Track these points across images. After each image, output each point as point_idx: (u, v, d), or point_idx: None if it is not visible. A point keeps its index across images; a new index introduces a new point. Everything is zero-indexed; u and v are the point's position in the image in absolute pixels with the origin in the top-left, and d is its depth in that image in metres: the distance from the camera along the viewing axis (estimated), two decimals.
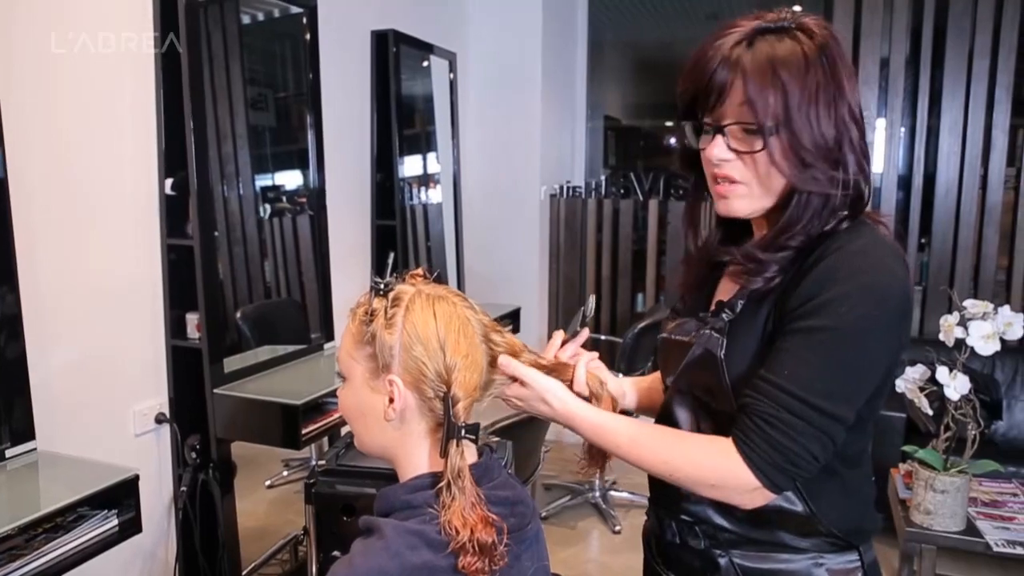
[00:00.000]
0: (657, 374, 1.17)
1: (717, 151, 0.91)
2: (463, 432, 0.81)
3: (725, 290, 1.03)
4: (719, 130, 0.90)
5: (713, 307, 1.02)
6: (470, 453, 0.86)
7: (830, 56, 0.88)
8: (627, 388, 1.20)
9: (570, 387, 0.98)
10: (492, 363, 0.90)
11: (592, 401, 0.99)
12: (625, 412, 1.16)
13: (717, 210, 0.97)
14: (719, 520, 0.99)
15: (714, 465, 0.90)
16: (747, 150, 0.89)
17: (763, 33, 0.89)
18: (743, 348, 0.94)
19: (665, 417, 1.06)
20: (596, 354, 1.03)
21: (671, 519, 1.05)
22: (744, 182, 0.92)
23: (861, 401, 0.88)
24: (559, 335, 1.04)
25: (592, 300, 1.02)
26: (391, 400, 0.84)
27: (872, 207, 3.27)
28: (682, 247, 1.21)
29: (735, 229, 1.03)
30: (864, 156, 0.91)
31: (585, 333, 1.06)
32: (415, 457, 0.86)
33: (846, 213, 0.92)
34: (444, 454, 0.80)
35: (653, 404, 1.15)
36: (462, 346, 0.84)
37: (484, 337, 0.88)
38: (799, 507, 0.95)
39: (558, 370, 0.97)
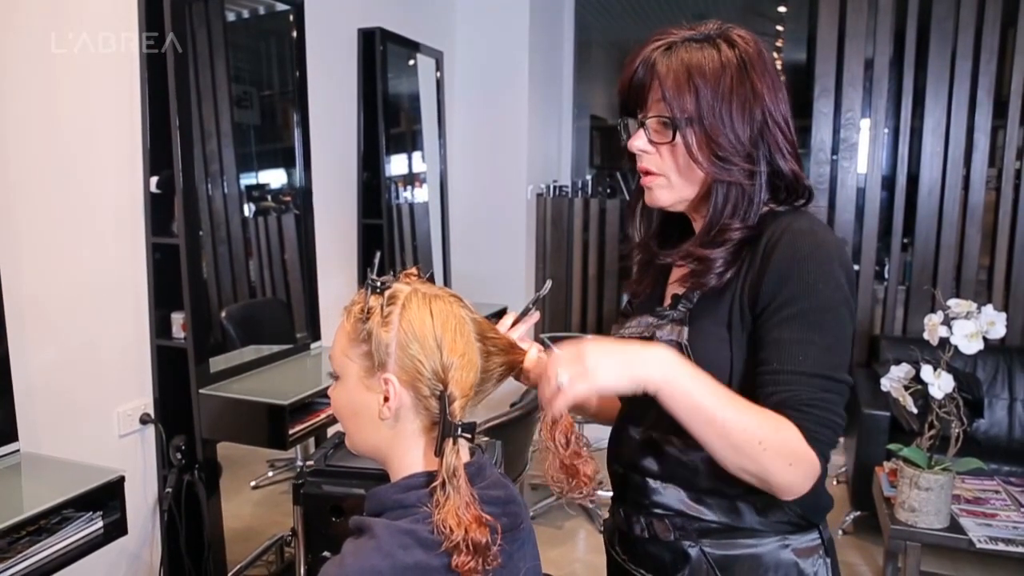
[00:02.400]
0: None
1: (638, 143, 0.99)
2: (459, 431, 0.81)
3: (677, 284, 1.07)
4: (642, 124, 0.99)
5: (669, 301, 1.06)
6: (464, 453, 0.85)
7: (747, 64, 0.95)
8: None
9: (521, 372, 0.97)
10: (487, 362, 0.89)
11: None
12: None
13: (646, 200, 1.04)
14: (688, 510, 1.01)
15: (792, 446, 0.86)
16: (663, 142, 0.97)
17: (687, 42, 0.97)
18: (706, 334, 0.98)
19: (630, 412, 1.08)
20: (541, 347, 1.02)
21: (639, 514, 1.06)
22: (662, 173, 0.99)
23: (849, 363, 0.94)
24: (511, 316, 1.04)
25: (548, 284, 1.02)
26: (386, 399, 0.83)
27: (856, 207, 3.27)
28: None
29: (673, 225, 1.10)
30: (792, 153, 0.98)
31: (535, 315, 1.05)
32: (408, 456, 0.86)
33: (779, 202, 1.00)
34: (440, 453, 0.80)
35: (609, 409, 1.17)
36: (459, 345, 0.83)
37: (479, 336, 0.88)
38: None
39: (510, 351, 0.93)
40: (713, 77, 0.94)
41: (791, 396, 0.89)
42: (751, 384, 0.93)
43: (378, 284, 0.85)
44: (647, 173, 1.00)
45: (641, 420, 1.05)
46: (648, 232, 1.13)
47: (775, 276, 0.92)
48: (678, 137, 0.95)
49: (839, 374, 0.91)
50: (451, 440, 0.80)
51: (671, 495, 1.02)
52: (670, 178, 0.99)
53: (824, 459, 0.89)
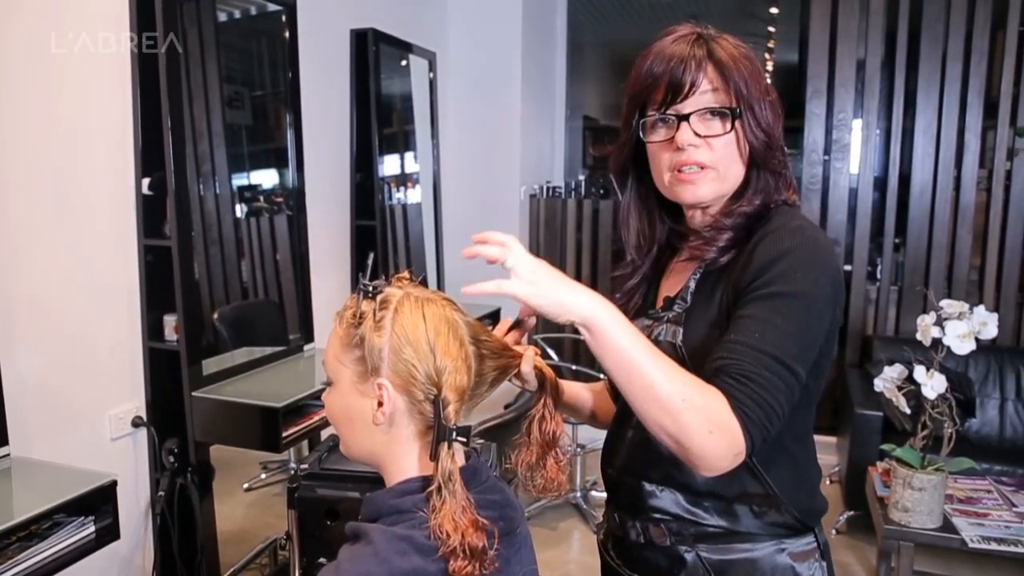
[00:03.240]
0: (601, 384, 1.21)
1: (686, 136, 0.96)
2: (454, 434, 0.80)
3: (669, 286, 1.07)
4: (683, 119, 0.96)
5: (661, 303, 1.06)
6: (460, 456, 0.85)
7: (756, 63, 1.00)
8: (581, 391, 1.19)
9: (517, 375, 0.96)
10: (481, 365, 0.89)
11: (541, 392, 0.96)
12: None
13: (682, 198, 1.01)
14: (685, 514, 1.00)
15: (718, 415, 0.83)
16: (716, 133, 0.97)
17: (705, 38, 0.98)
18: (700, 335, 0.97)
19: (624, 414, 1.07)
20: (537, 349, 1.02)
21: (635, 519, 1.05)
22: (711, 166, 0.98)
23: (811, 363, 0.91)
24: (507, 321, 1.02)
25: None
26: (380, 404, 0.82)
27: (848, 208, 3.30)
28: None
29: (655, 237, 1.11)
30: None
31: (532, 321, 1.03)
32: (403, 461, 0.85)
33: (783, 198, 1.01)
34: (435, 457, 0.79)
35: (603, 413, 1.17)
36: (452, 348, 0.83)
37: (473, 339, 0.87)
38: (759, 489, 0.98)
39: (503, 354, 0.92)
40: (752, 68, 0.97)
41: (732, 364, 0.86)
42: None
43: (370, 288, 0.84)
44: (700, 167, 0.97)
45: (636, 421, 1.03)
46: (635, 244, 1.12)
47: (756, 267, 0.92)
48: (737, 124, 0.96)
49: (791, 362, 0.86)
50: (446, 444, 0.79)
51: (667, 499, 1.01)
52: (719, 170, 0.98)
53: (751, 440, 0.83)
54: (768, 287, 0.90)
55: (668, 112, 0.97)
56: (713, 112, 0.96)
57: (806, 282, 0.89)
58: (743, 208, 0.98)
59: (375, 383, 0.82)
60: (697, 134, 0.96)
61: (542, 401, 0.95)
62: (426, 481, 0.81)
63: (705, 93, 0.96)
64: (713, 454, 0.83)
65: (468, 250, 0.89)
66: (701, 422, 0.82)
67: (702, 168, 0.97)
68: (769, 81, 0.99)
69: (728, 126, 0.96)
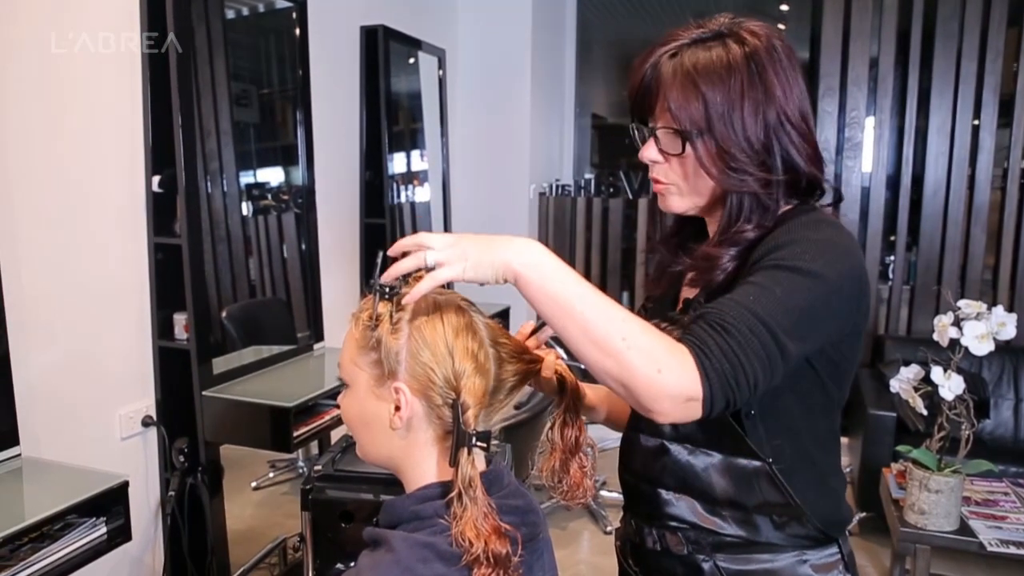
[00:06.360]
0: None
1: (648, 153, 0.96)
2: (474, 440, 0.78)
3: (689, 290, 1.05)
4: (652, 133, 0.95)
5: (680, 305, 1.04)
6: (480, 461, 0.83)
7: (758, 63, 0.90)
8: (598, 392, 1.17)
9: (536, 380, 0.95)
10: (500, 369, 0.87)
11: (562, 397, 0.95)
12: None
13: (659, 206, 1.01)
14: (703, 523, 0.98)
15: (667, 354, 0.77)
16: (673, 152, 0.93)
17: (695, 43, 0.92)
18: None
19: (637, 419, 1.05)
20: (559, 353, 1.00)
21: (651, 526, 1.03)
22: (670, 183, 0.96)
23: (807, 348, 0.85)
24: (528, 325, 1.00)
25: None
26: (397, 408, 0.81)
27: (861, 207, 3.25)
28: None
29: (690, 223, 1.06)
30: (810, 155, 0.93)
31: (550, 329, 0.99)
32: (422, 466, 0.84)
33: (795, 202, 0.96)
34: (454, 463, 0.78)
35: (619, 415, 1.15)
36: (471, 351, 0.81)
37: (492, 341, 0.86)
38: (780, 498, 0.95)
39: (522, 357, 0.90)
40: (721, 82, 0.89)
41: (713, 313, 0.80)
42: (769, 394, 0.86)
43: (386, 290, 0.83)
44: (657, 182, 0.98)
45: (652, 428, 1.02)
46: (665, 232, 1.10)
47: (768, 244, 0.89)
48: (688, 148, 0.91)
49: (780, 332, 0.79)
50: (465, 450, 0.78)
51: (684, 507, 0.99)
52: (680, 187, 0.96)
53: (710, 390, 0.77)
54: (775, 260, 0.86)
55: (646, 124, 0.96)
56: (672, 132, 0.92)
57: (817, 263, 0.84)
58: (744, 236, 0.93)
59: (392, 387, 0.81)
60: (662, 151, 0.94)
61: (563, 406, 0.93)
62: (446, 487, 0.79)
63: (665, 111, 0.92)
64: (660, 392, 0.76)
65: (384, 277, 0.83)
66: (646, 360, 0.76)
67: (665, 183, 0.97)
68: (768, 87, 0.91)
69: (681, 147, 0.92)
